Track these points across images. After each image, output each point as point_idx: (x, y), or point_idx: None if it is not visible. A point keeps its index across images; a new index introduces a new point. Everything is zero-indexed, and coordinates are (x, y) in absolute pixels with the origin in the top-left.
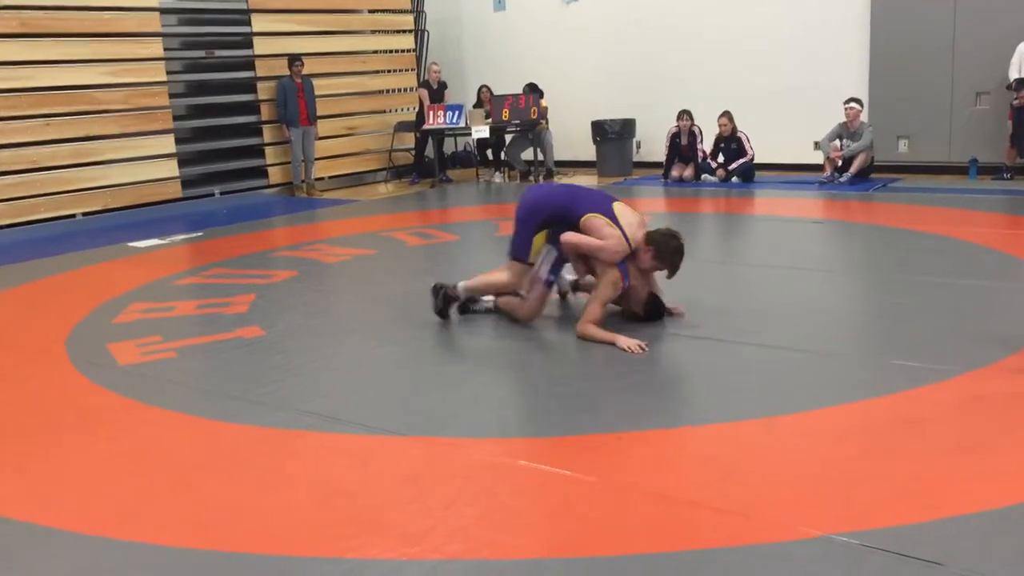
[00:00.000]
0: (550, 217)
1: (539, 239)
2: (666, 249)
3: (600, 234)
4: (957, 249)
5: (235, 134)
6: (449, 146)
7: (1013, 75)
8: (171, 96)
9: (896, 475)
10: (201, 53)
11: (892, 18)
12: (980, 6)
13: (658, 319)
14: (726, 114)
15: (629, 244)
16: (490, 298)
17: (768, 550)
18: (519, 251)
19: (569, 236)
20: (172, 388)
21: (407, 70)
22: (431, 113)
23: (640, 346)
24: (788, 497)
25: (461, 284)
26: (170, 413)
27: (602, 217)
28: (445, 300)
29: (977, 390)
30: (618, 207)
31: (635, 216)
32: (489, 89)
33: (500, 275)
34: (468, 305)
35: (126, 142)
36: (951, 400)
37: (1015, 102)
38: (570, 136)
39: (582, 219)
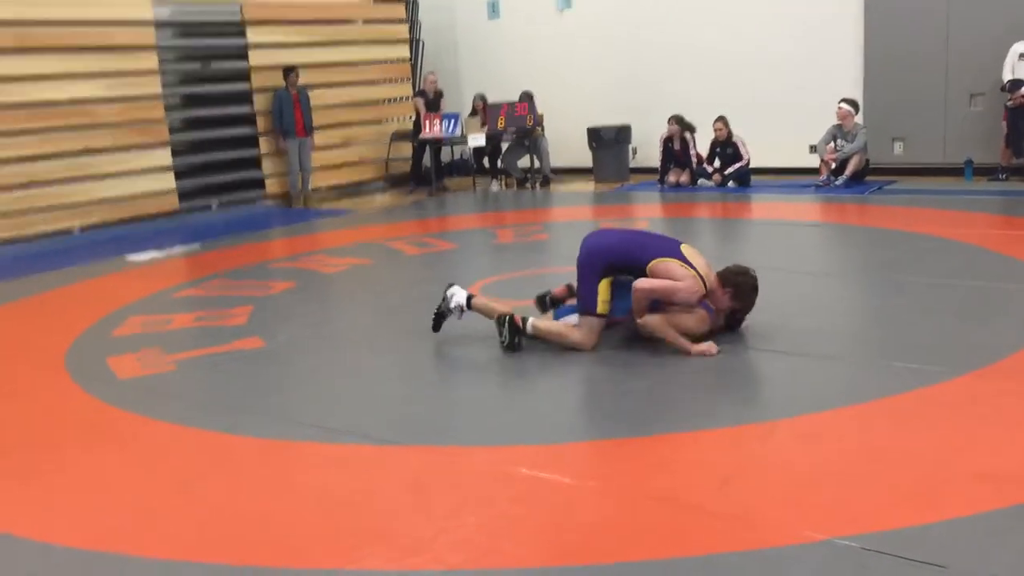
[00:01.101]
0: (614, 264)
1: (604, 288)
2: (745, 288)
3: (673, 276)
4: (954, 251)
5: (231, 146)
6: (446, 155)
7: (1007, 76)
8: (167, 109)
9: (898, 478)
10: (196, 65)
11: (886, 21)
12: (973, 8)
13: None
14: (721, 119)
15: (704, 285)
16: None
17: (771, 555)
18: (588, 304)
19: (642, 283)
20: (172, 401)
21: (403, 80)
22: (427, 122)
23: (712, 346)
24: (790, 501)
25: (531, 321)
26: (171, 426)
27: (674, 260)
28: (513, 331)
29: (977, 391)
30: (686, 249)
31: (703, 258)
32: (483, 97)
33: (572, 332)
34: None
35: (122, 155)
36: (951, 402)
37: (1009, 103)
38: (566, 143)
39: (650, 264)
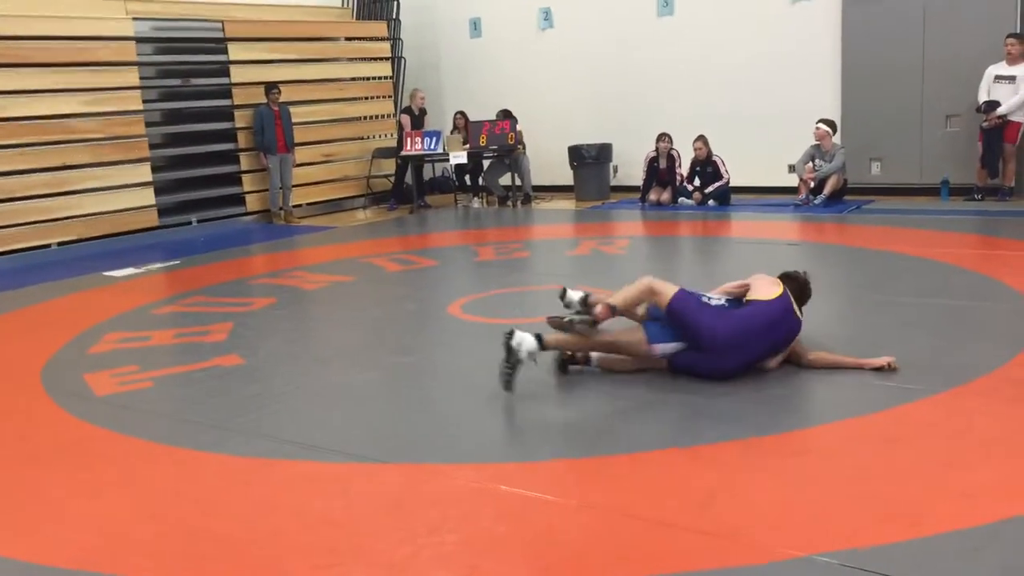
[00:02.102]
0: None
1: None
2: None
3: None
4: (931, 270)
5: (212, 162)
6: (428, 172)
7: (982, 98)
8: (147, 125)
9: (878, 494)
10: (177, 81)
11: (863, 43)
12: (949, 31)
13: None
14: (701, 138)
15: None
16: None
17: (752, 572)
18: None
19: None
20: (150, 418)
21: (385, 97)
22: (408, 139)
23: (889, 363)
24: (772, 519)
25: (595, 357)
26: (148, 444)
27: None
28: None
29: (955, 409)
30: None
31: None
32: (464, 115)
33: (625, 338)
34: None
35: (102, 171)
36: (930, 419)
37: (985, 124)
38: (548, 161)
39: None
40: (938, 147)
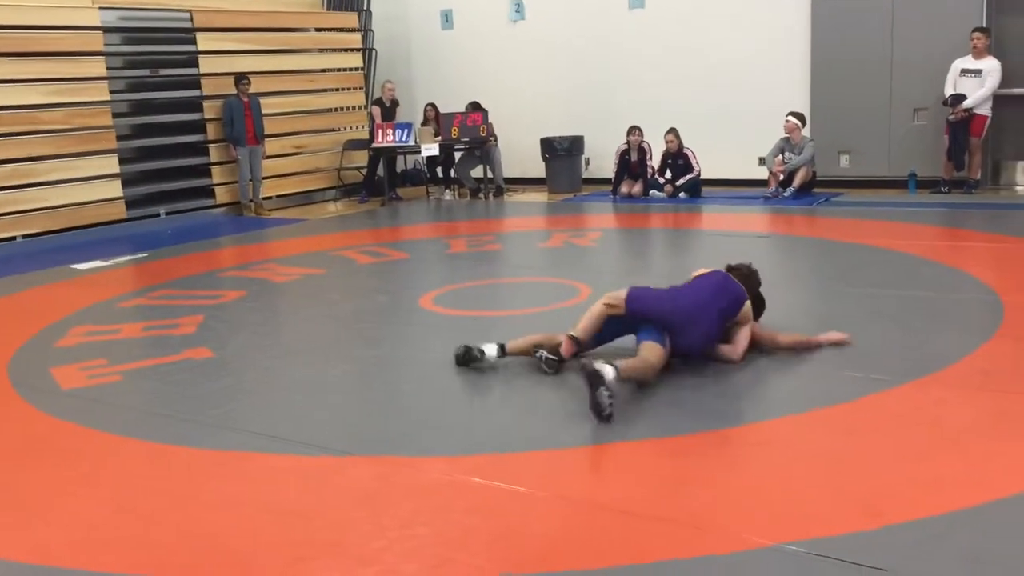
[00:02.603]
0: (724, 311)
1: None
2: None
3: (750, 319)
4: (898, 261)
5: (181, 154)
6: (399, 164)
7: (949, 91)
8: (114, 116)
9: (844, 483)
10: (145, 72)
11: (832, 38)
12: (916, 26)
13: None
14: (672, 131)
15: None
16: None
17: (720, 561)
18: (710, 343)
19: (736, 353)
20: (118, 412)
21: (356, 88)
22: (380, 131)
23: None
24: (740, 508)
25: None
26: (116, 438)
27: (747, 302)
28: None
29: (921, 399)
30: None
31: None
32: (435, 107)
33: (649, 363)
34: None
35: (68, 162)
36: (895, 410)
37: (951, 117)
38: (520, 153)
39: (744, 308)
40: (905, 140)
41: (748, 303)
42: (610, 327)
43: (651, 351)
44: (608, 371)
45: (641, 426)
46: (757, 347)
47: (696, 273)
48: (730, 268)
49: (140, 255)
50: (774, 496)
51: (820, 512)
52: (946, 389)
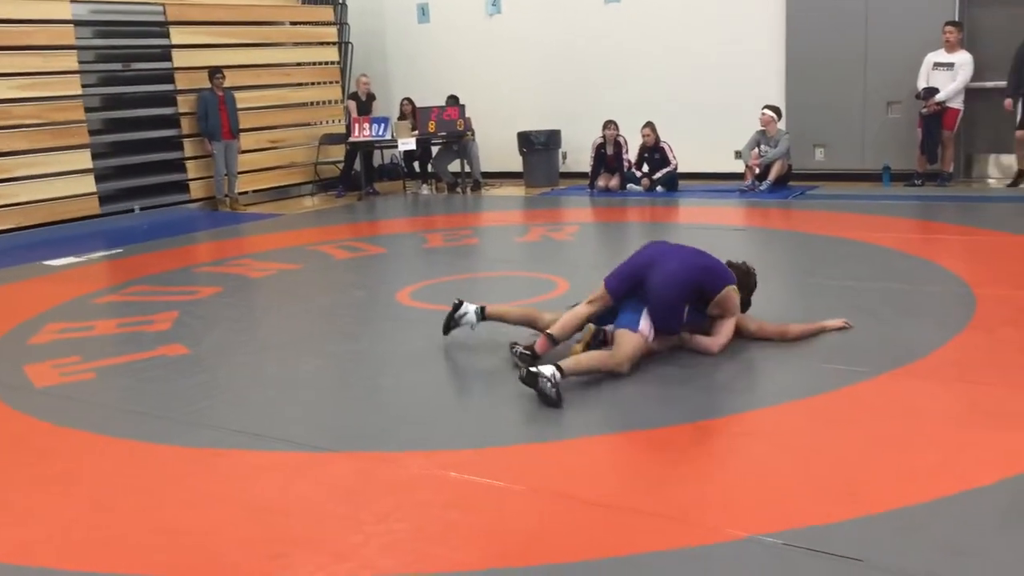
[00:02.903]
0: (696, 291)
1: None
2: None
3: (734, 305)
4: (873, 254)
5: (155, 148)
6: (376, 158)
7: (921, 85)
8: (87, 110)
9: (822, 475)
10: (118, 66)
11: (807, 32)
12: (890, 20)
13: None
14: (649, 124)
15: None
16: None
17: (699, 552)
18: (674, 327)
19: (717, 345)
20: (92, 409)
21: (332, 83)
22: (357, 125)
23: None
24: (718, 500)
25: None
26: (91, 435)
27: (732, 288)
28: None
29: (897, 390)
30: None
31: None
32: (411, 101)
33: (617, 353)
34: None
35: (40, 158)
36: (872, 401)
37: (924, 111)
38: (497, 147)
39: (723, 291)
40: (879, 134)
41: (732, 291)
42: (606, 320)
43: (624, 341)
44: (546, 370)
45: (620, 419)
46: (743, 338)
47: None
48: (729, 264)
49: (114, 251)
50: (752, 487)
51: (797, 503)
52: (921, 381)
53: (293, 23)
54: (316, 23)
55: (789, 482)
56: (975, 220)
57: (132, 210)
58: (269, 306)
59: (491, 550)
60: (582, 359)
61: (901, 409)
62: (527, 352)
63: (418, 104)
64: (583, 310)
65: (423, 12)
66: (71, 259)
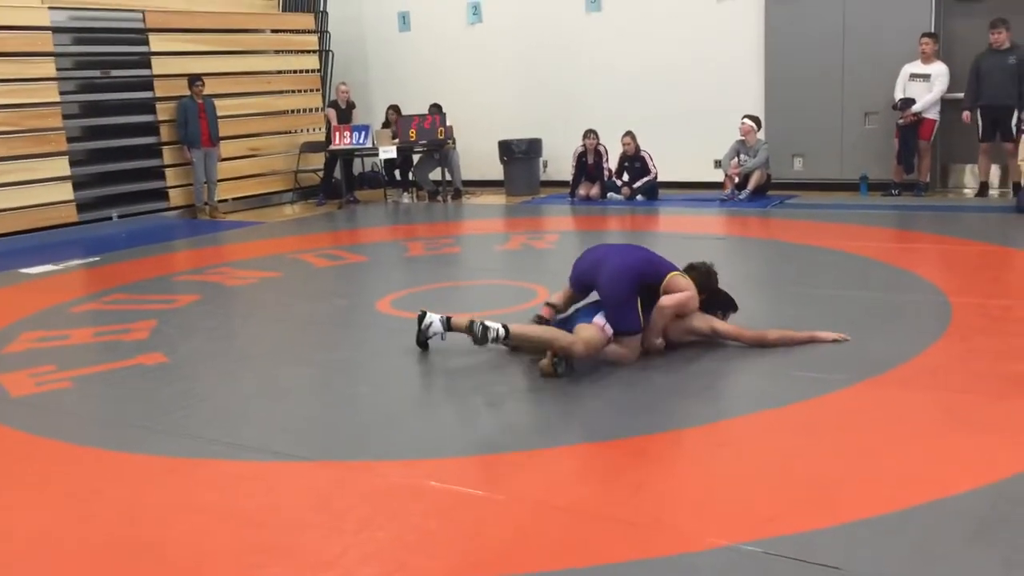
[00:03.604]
0: (645, 280)
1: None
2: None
3: (683, 287)
4: (850, 263)
5: (134, 156)
6: (357, 167)
7: (898, 95)
8: (65, 117)
9: (798, 483)
10: (96, 73)
11: (785, 43)
12: (867, 31)
13: None
14: (629, 134)
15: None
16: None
17: (677, 561)
18: (631, 322)
19: (669, 300)
20: (69, 419)
21: (313, 90)
22: (337, 134)
23: (841, 336)
24: (697, 508)
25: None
26: (67, 445)
27: (677, 272)
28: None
29: (873, 398)
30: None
31: None
32: (397, 109)
33: (618, 350)
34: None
35: (16, 165)
36: (849, 408)
37: (901, 121)
38: (478, 155)
39: (667, 278)
40: (857, 144)
41: (676, 276)
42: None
43: (581, 328)
44: (493, 324)
45: (601, 428)
46: (711, 341)
47: None
48: (690, 267)
49: (92, 259)
50: (730, 496)
51: (775, 511)
52: (897, 389)
53: (274, 31)
54: (297, 31)
55: (767, 490)
56: (951, 230)
57: (110, 218)
58: (248, 315)
59: (469, 559)
60: (533, 328)
61: (878, 417)
62: (540, 317)
63: (403, 113)
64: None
65: (404, 21)
66: (48, 267)
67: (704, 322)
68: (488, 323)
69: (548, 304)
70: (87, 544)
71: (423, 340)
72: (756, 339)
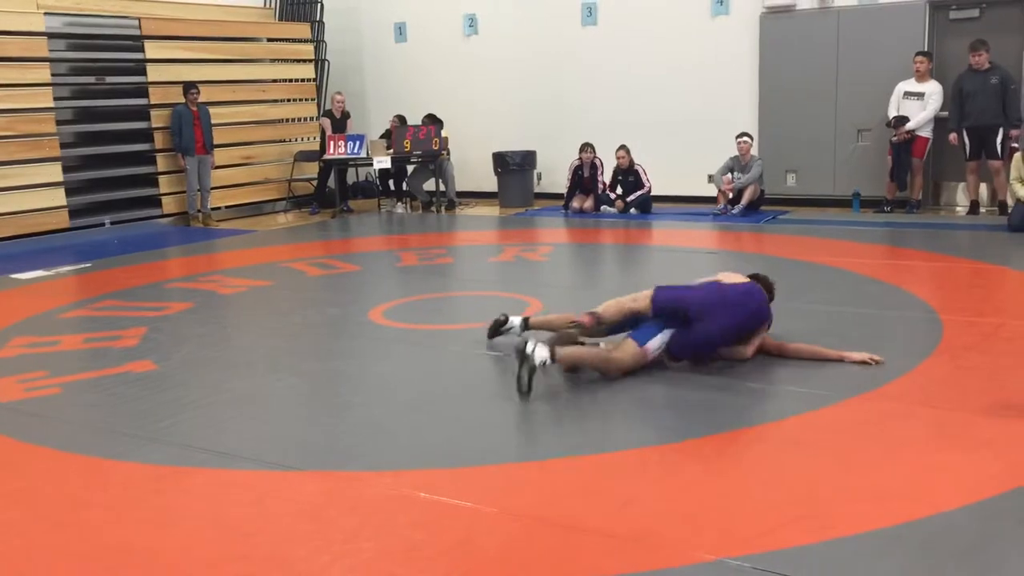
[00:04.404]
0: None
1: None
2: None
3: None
4: (842, 279)
5: (127, 162)
6: (351, 176)
7: (892, 113)
8: (59, 123)
9: (788, 498)
10: (91, 79)
11: (779, 59)
12: (861, 49)
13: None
14: (623, 147)
15: None
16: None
17: (666, 575)
18: (692, 354)
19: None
20: (57, 426)
21: (308, 100)
22: (332, 143)
23: (872, 358)
24: (686, 523)
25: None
26: (55, 452)
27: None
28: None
29: (862, 414)
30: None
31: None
32: (402, 120)
33: (614, 354)
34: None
35: (10, 170)
36: (839, 424)
37: (894, 139)
38: (472, 167)
39: (764, 336)
40: (850, 160)
41: (764, 328)
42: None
43: (626, 348)
44: (540, 355)
45: (588, 441)
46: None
47: (724, 276)
48: (755, 277)
49: (83, 265)
50: (720, 510)
51: (764, 526)
52: (888, 404)
53: (270, 40)
54: (293, 40)
55: (756, 505)
56: (942, 247)
57: (103, 224)
58: (240, 323)
59: (457, 571)
60: (578, 352)
61: (868, 434)
62: (573, 326)
63: (393, 123)
64: (626, 303)
65: (400, 32)
66: (39, 272)
67: (773, 343)
68: (536, 352)
69: (592, 313)
70: (73, 552)
71: (496, 333)
72: (794, 352)
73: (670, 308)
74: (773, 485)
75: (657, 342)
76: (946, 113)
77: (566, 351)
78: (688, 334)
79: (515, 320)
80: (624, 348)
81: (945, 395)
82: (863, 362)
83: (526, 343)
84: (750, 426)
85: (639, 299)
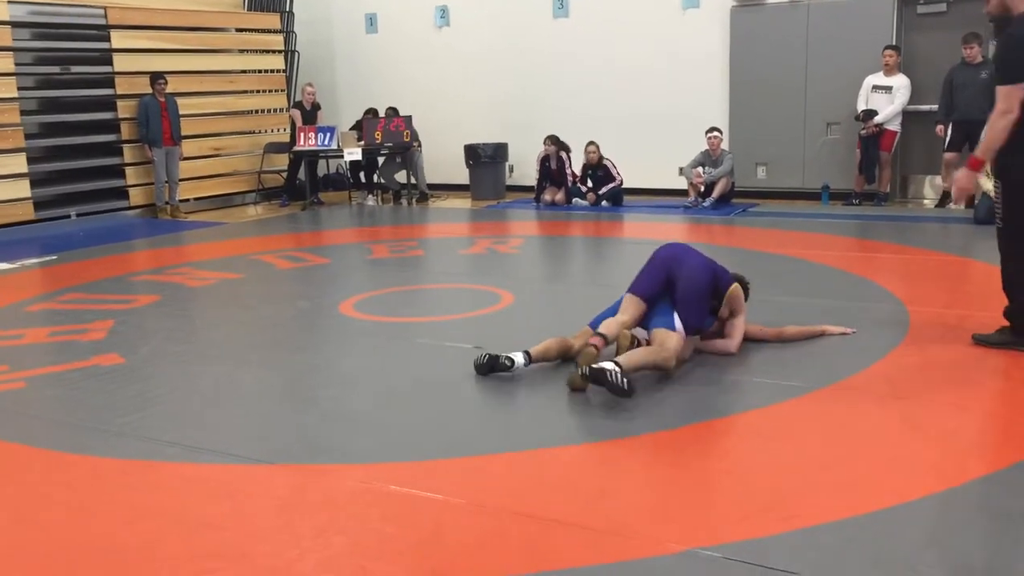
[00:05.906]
0: (717, 287)
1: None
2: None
3: (742, 307)
4: (811, 271)
5: (93, 153)
6: (322, 168)
7: (861, 107)
8: (23, 113)
9: (756, 489)
10: (56, 69)
11: (749, 53)
12: (830, 43)
13: None
14: (593, 143)
15: None
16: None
17: (637, 566)
18: (702, 321)
19: (734, 345)
20: (21, 420)
21: (277, 91)
22: (302, 135)
23: (846, 331)
24: (658, 514)
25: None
26: (17, 446)
27: (737, 284)
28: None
29: (828, 405)
30: None
31: None
32: (374, 113)
33: (665, 347)
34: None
35: None
36: (807, 415)
37: (863, 132)
38: (444, 159)
39: (731, 289)
40: (819, 153)
41: (737, 288)
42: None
43: (667, 337)
44: (607, 364)
45: (559, 433)
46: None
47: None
48: (736, 277)
49: (48, 258)
50: (689, 501)
51: (735, 516)
52: (854, 396)
53: (239, 30)
54: (262, 30)
55: (726, 496)
56: (910, 239)
57: (68, 216)
58: (208, 316)
59: (429, 564)
60: (634, 355)
61: (835, 424)
62: (592, 346)
63: (364, 115)
64: (621, 318)
65: (371, 22)
66: (3, 265)
67: (755, 327)
68: (603, 365)
69: (599, 334)
70: (36, 548)
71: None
72: (776, 335)
73: (658, 286)
74: (742, 476)
75: (679, 323)
76: (914, 107)
77: (630, 359)
78: (680, 293)
79: (519, 359)
80: (662, 339)
81: (911, 386)
82: (842, 333)
83: (592, 367)
84: (720, 417)
85: (626, 308)
